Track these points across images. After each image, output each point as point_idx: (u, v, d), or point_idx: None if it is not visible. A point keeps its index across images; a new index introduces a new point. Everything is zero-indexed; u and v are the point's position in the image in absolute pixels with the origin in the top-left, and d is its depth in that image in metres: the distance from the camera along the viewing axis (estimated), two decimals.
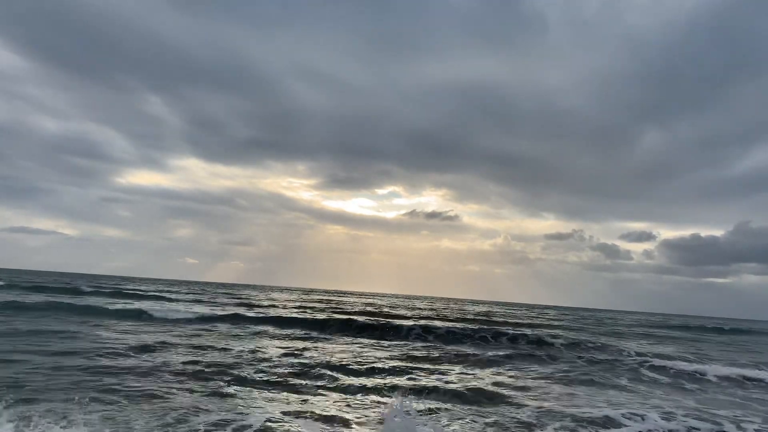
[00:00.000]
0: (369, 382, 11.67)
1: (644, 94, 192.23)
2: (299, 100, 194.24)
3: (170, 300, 36.97)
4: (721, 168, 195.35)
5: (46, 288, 39.34)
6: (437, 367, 14.81)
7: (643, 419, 9.50)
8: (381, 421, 7.91)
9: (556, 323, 40.86)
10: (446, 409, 9.61)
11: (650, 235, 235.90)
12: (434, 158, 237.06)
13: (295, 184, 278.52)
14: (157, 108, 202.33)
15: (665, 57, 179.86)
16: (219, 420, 7.76)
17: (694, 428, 9.27)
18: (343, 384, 11.29)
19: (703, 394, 13.48)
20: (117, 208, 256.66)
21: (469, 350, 19.15)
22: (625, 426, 9.02)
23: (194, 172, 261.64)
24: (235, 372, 11.73)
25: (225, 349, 15.20)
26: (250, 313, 27.67)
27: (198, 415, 7.95)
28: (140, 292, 43.21)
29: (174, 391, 9.49)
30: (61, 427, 6.59)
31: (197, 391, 9.64)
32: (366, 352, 16.95)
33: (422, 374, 13.30)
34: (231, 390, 9.97)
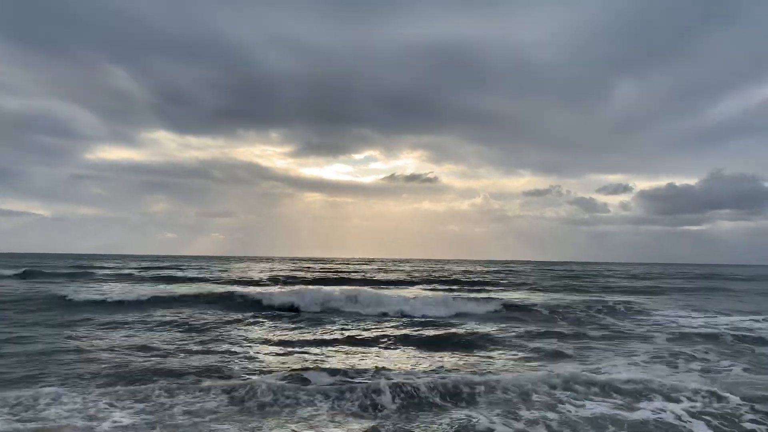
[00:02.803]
0: None
1: (617, 46, 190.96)
2: (269, 66, 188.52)
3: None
4: (694, 117, 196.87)
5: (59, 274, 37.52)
6: None
7: None
8: None
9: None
10: None
11: (626, 187, 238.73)
12: (410, 120, 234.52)
13: (269, 153, 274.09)
14: (122, 81, 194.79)
15: (637, 8, 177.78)
16: None
17: None
18: None
19: None
20: (89, 186, 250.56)
21: None
22: None
23: (165, 145, 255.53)
24: None
25: None
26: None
27: None
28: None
29: None
30: None
31: None
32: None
33: None
34: None
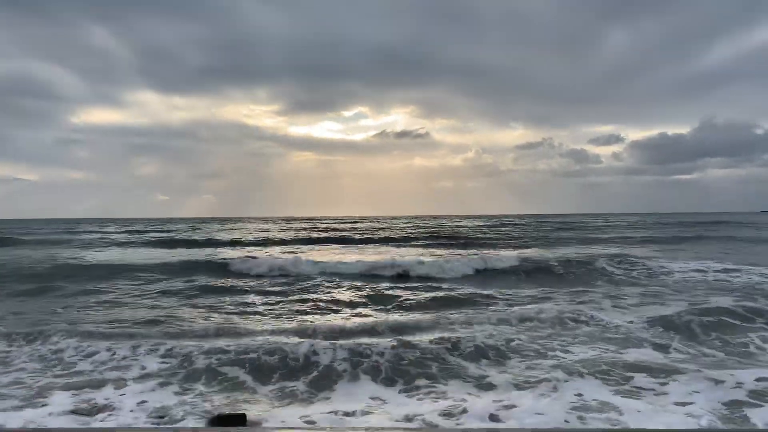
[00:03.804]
0: None
1: None
2: (254, 21, 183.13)
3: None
4: (686, 64, 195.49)
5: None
6: None
7: None
8: None
9: None
10: None
11: (618, 138, 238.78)
12: (399, 74, 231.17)
13: (257, 112, 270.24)
14: (104, 40, 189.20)
15: None
16: None
17: None
18: None
19: None
20: (76, 149, 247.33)
21: None
22: None
23: (151, 106, 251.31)
24: None
25: None
26: None
27: None
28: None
29: None
30: None
31: None
32: None
33: None
34: None
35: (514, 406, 5.44)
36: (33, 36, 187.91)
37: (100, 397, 5.68)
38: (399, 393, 6.03)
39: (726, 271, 15.90)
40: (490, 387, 6.11)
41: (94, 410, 5.29)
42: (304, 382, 6.26)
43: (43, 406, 5.39)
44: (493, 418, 5.33)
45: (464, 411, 5.36)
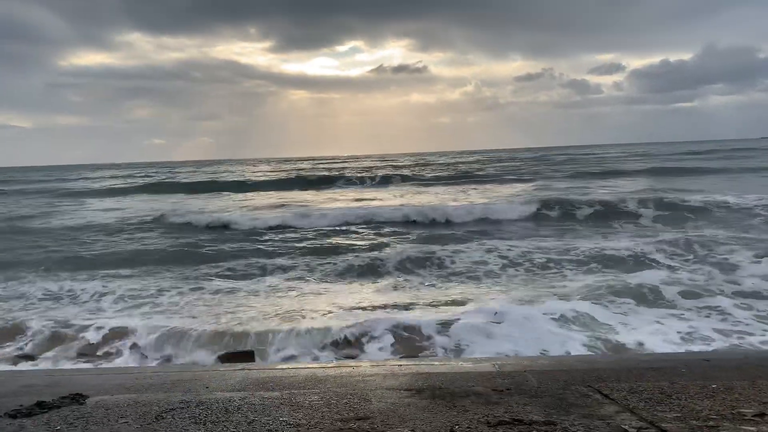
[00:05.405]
0: None
1: None
2: None
3: None
4: None
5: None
6: None
7: None
8: None
9: None
10: None
11: (619, 66, 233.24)
12: (394, 3, 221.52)
13: (249, 49, 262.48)
14: None
15: None
16: None
17: None
18: None
19: None
20: (67, 94, 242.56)
21: None
22: None
23: (140, 47, 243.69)
24: None
25: None
26: None
27: None
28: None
29: None
30: None
31: None
32: None
33: None
34: None
35: None
36: None
37: None
38: None
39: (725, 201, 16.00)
40: None
41: None
42: None
43: None
44: None
45: None
